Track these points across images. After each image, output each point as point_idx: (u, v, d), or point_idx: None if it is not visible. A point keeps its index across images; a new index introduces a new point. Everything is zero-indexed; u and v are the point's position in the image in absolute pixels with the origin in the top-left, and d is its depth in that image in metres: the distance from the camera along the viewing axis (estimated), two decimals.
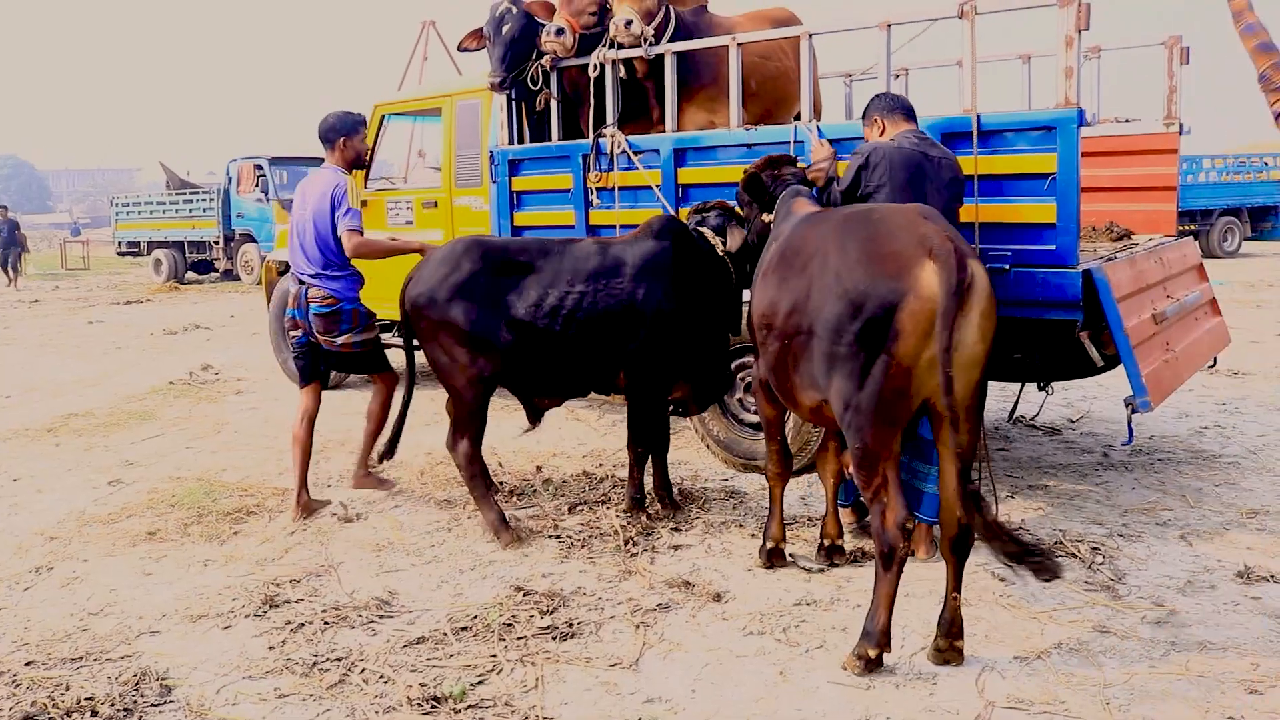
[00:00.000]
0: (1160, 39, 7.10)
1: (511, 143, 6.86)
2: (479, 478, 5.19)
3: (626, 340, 5.06)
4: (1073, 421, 7.36)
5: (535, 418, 5.50)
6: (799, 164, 5.00)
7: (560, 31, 6.26)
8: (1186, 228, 20.25)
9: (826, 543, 4.70)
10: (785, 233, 4.25)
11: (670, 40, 6.14)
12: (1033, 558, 3.50)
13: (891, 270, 3.45)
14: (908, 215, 3.67)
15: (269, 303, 9.42)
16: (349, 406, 8.39)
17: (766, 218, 4.77)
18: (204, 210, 22.57)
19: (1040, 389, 6.24)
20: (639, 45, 6.07)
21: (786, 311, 3.89)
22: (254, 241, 21.30)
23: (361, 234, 5.66)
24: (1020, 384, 6.32)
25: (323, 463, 6.69)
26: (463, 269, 5.06)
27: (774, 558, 4.67)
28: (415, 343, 5.39)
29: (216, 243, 22.41)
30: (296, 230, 5.69)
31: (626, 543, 4.97)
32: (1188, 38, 6.94)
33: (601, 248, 5.19)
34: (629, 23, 6.00)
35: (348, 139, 5.79)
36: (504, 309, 5.01)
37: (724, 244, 5.24)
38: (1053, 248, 4.89)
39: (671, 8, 6.25)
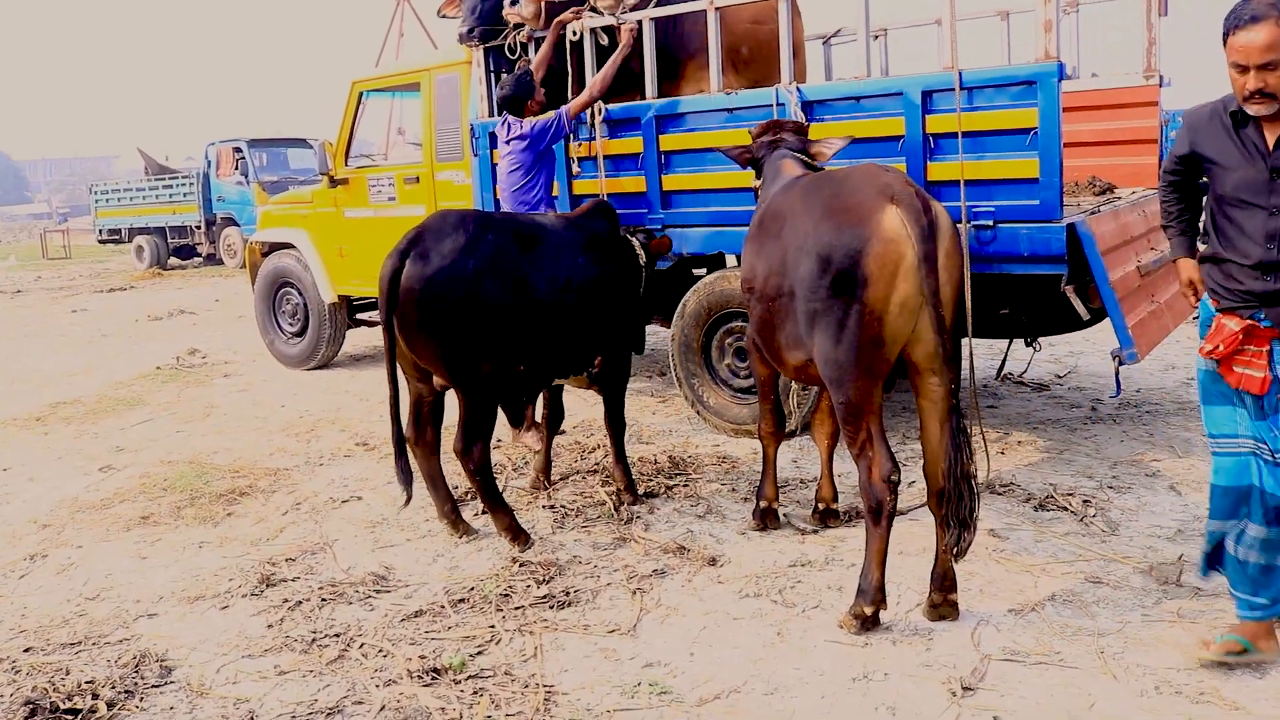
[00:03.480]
0: None
1: (491, 115, 6.81)
2: (492, 483, 4.72)
3: (607, 316, 5.07)
4: (1060, 376, 7.39)
5: (519, 419, 5.20)
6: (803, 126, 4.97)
7: (516, 1, 6.25)
8: None
9: (821, 506, 4.72)
10: (769, 197, 4.28)
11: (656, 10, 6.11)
12: (960, 531, 3.57)
13: (855, 219, 3.56)
14: (870, 170, 3.80)
15: (254, 284, 9.40)
16: (337, 385, 8.39)
17: (755, 183, 4.77)
18: (184, 195, 22.40)
19: (1027, 345, 6.26)
20: (618, 9, 6.04)
21: (765, 274, 3.99)
22: (236, 225, 21.16)
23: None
24: (1008, 340, 6.34)
25: (313, 441, 6.68)
26: (481, 242, 4.50)
27: (767, 517, 4.69)
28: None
29: (198, 227, 22.24)
30: None
31: (619, 508, 4.98)
32: None
33: (578, 224, 5.12)
34: None
35: (529, 100, 6.01)
36: (522, 286, 4.60)
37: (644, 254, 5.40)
38: (1036, 202, 4.90)
39: None
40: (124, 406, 8.14)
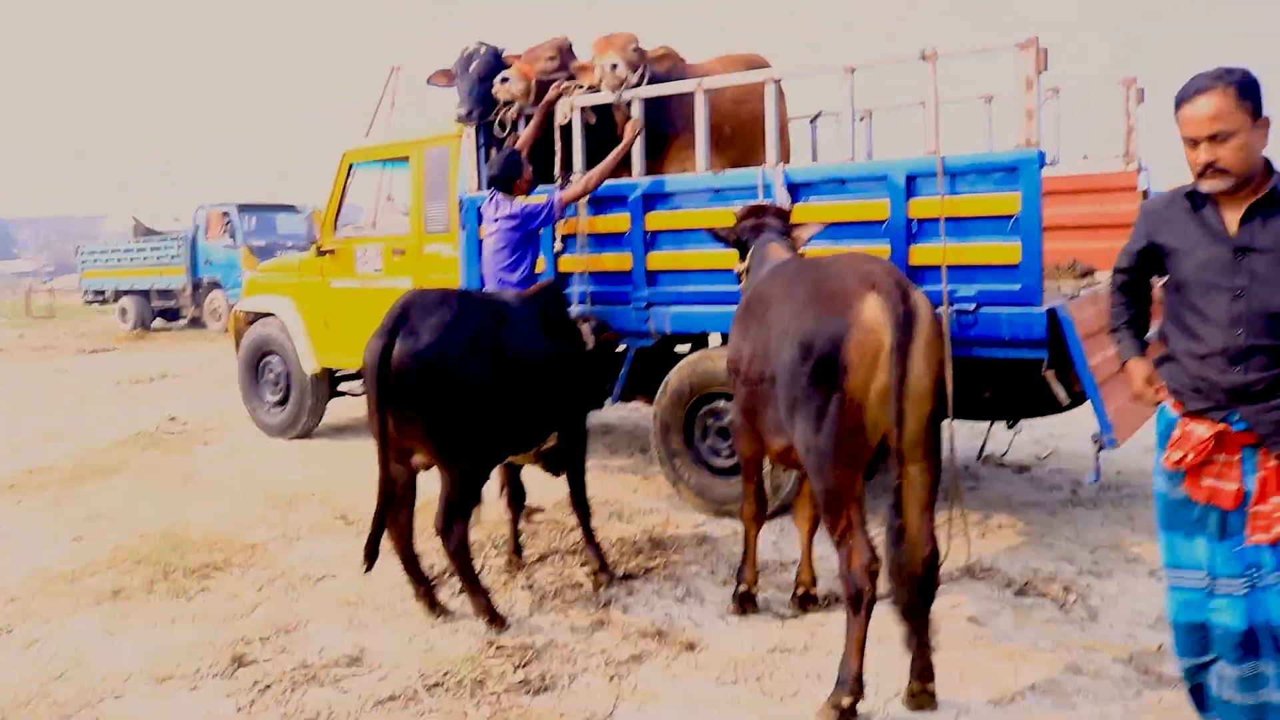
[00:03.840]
0: (1117, 79, 7.24)
1: (480, 189, 6.86)
2: (470, 563, 4.67)
3: (563, 394, 5.13)
4: (1041, 458, 7.40)
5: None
6: (786, 209, 5.05)
7: (506, 79, 6.35)
8: None
9: (800, 590, 4.68)
10: (756, 281, 4.33)
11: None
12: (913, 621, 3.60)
13: (836, 307, 3.59)
14: (854, 258, 3.86)
15: (237, 351, 9.37)
16: (318, 456, 8.33)
17: (739, 267, 4.82)
18: (171, 257, 22.40)
19: (1009, 427, 6.27)
20: (621, 90, 6.10)
21: (750, 358, 4.03)
22: (221, 288, 21.17)
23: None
24: (989, 422, 6.35)
25: (291, 514, 6.61)
26: (464, 319, 4.57)
27: (745, 602, 4.65)
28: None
29: (184, 290, 22.24)
30: None
31: (597, 590, 4.94)
32: (1142, 79, 7.08)
33: (533, 303, 5.17)
34: (615, 66, 6.04)
35: (518, 179, 6.01)
36: (500, 362, 4.63)
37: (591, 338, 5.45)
38: (1017, 287, 4.94)
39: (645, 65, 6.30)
40: (101, 473, 8.05)
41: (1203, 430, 2.95)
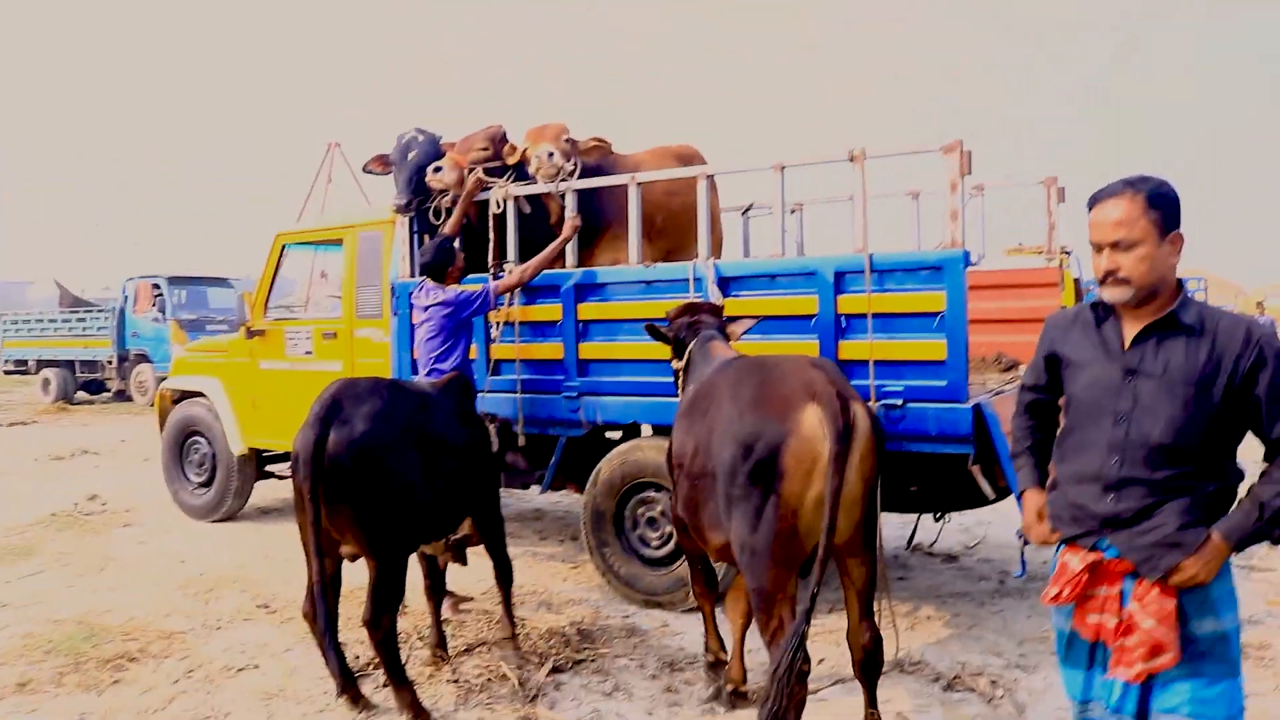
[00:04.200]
0: (1039, 179, 7.49)
1: (413, 275, 6.86)
2: (397, 656, 4.57)
3: (476, 481, 5.23)
4: (969, 547, 7.47)
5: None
6: (718, 305, 5.15)
7: (439, 169, 6.40)
8: None
9: (730, 688, 4.64)
10: (703, 377, 4.40)
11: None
12: None
13: (776, 412, 3.66)
14: (799, 362, 3.90)
15: (162, 430, 9.19)
16: (242, 540, 8.15)
17: (676, 364, 4.89)
18: (98, 329, 22.01)
19: (936, 519, 6.34)
20: (557, 179, 6.18)
21: (692, 453, 4.06)
22: (149, 362, 20.79)
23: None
24: (917, 514, 6.41)
25: (212, 601, 6.45)
26: (395, 409, 4.59)
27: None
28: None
29: (110, 362, 21.81)
30: None
31: (524, 684, 4.86)
32: (1063, 179, 7.33)
33: (446, 392, 5.26)
34: (551, 154, 6.12)
35: (451, 267, 5.98)
36: (426, 451, 4.68)
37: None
38: (944, 383, 5.03)
39: (576, 156, 6.39)
40: (14, 556, 7.80)
41: (1076, 563, 2.79)
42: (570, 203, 6.18)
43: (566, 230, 6.23)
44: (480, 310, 5.97)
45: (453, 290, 5.89)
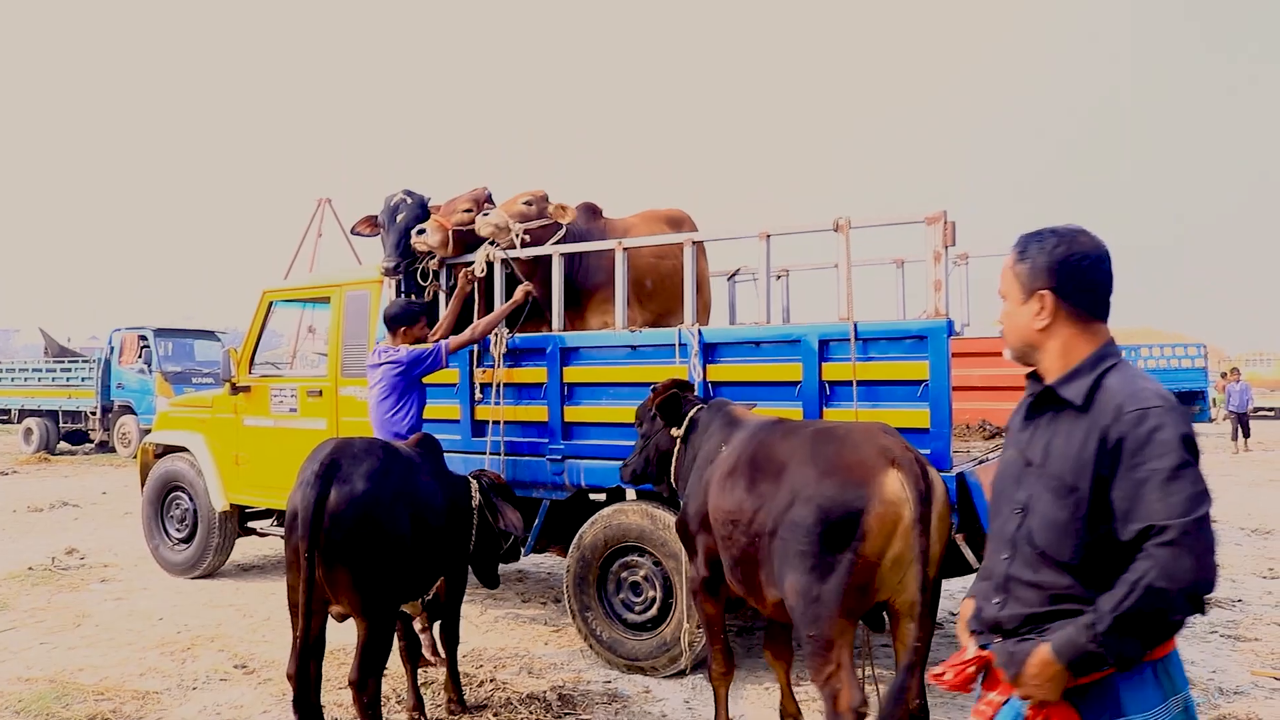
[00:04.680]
0: None
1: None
2: (380, 718, 4.58)
3: (451, 541, 5.19)
4: (954, 614, 7.43)
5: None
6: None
7: (422, 231, 6.47)
8: None
9: None
10: (741, 439, 4.49)
11: (561, 244, 6.32)
12: None
13: (858, 478, 3.82)
14: (871, 429, 4.09)
15: (143, 485, 9.13)
16: (221, 597, 8.07)
17: (675, 432, 5.01)
18: (82, 380, 21.95)
19: None
20: (513, 244, 6.28)
21: (751, 513, 4.14)
22: (133, 414, 20.73)
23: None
24: None
25: (189, 661, 6.36)
26: (392, 467, 4.62)
27: None
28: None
29: (94, 413, 21.72)
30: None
31: None
32: None
33: (419, 452, 5.19)
34: (500, 227, 6.26)
35: (408, 328, 6.06)
36: (415, 511, 4.70)
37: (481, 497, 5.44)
38: (927, 452, 5.03)
39: (562, 220, 6.45)
40: None
41: (970, 650, 2.43)
42: (557, 264, 6.22)
43: (518, 294, 6.38)
44: (432, 368, 6.01)
45: (404, 348, 5.93)
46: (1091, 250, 2.33)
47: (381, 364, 5.94)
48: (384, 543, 4.45)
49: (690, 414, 4.97)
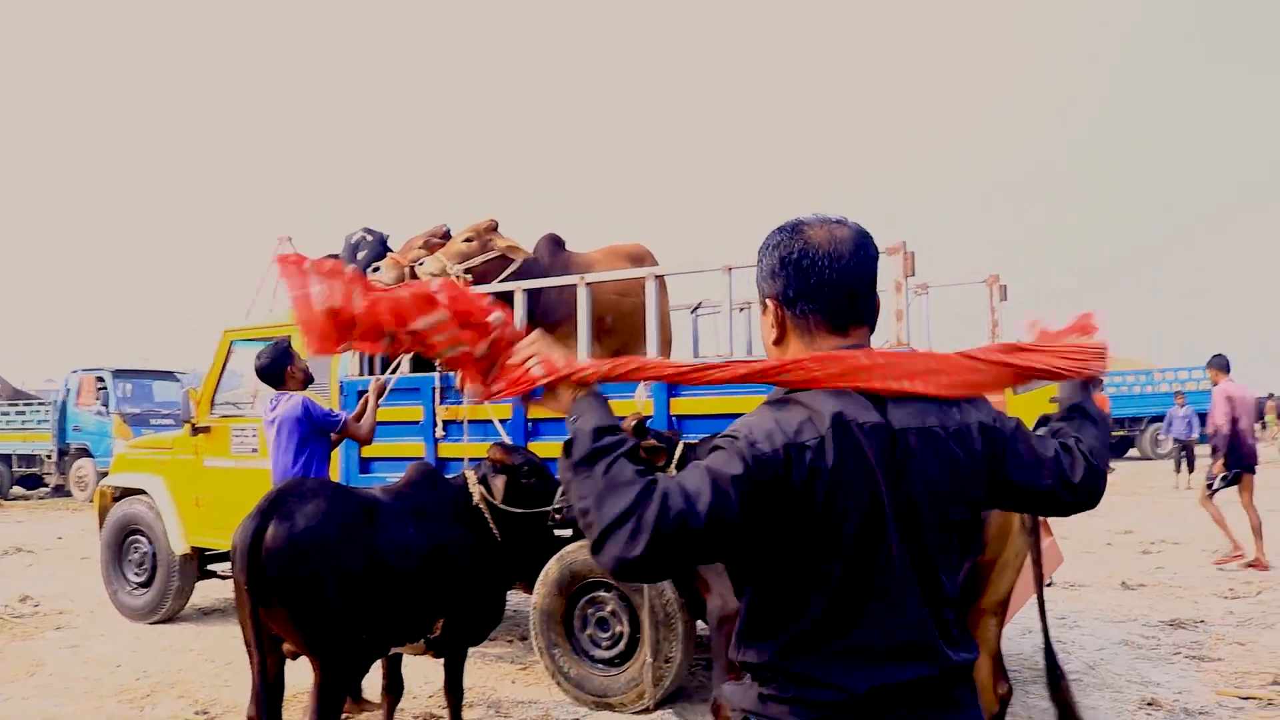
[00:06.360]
0: (981, 277, 7.63)
1: (362, 373, 6.85)
2: None
3: (450, 582, 4.96)
4: None
5: (356, 691, 5.18)
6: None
7: (377, 269, 6.48)
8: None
9: None
10: None
11: (519, 279, 6.33)
12: None
13: None
14: None
15: (101, 528, 8.99)
16: (181, 642, 7.95)
17: (672, 470, 5.01)
18: (38, 422, 21.63)
19: None
20: (440, 273, 6.33)
21: None
22: (90, 456, 20.44)
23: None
24: None
25: (148, 708, 6.25)
26: (341, 506, 4.53)
27: None
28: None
29: (49, 456, 21.39)
30: None
31: None
32: (1004, 277, 7.47)
33: (409, 491, 5.09)
34: (436, 274, 6.30)
35: (291, 366, 5.99)
36: (378, 548, 4.59)
37: (486, 492, 5.20)
38: None
39: (513, 257, 6.49)
40: None
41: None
42: (520, 300, 6.23)
43: (373, 387, 6.40)
44: (322, 425, 5.94)
45: (300, 396, 5.87)
46: (813, 246, 1.90)
47: (277, 418, 5.85)
48: (325, 582, 4.34)
49: (680, 449, 5.04)
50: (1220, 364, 10.56)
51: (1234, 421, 10.15)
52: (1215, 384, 10.55)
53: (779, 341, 1.96)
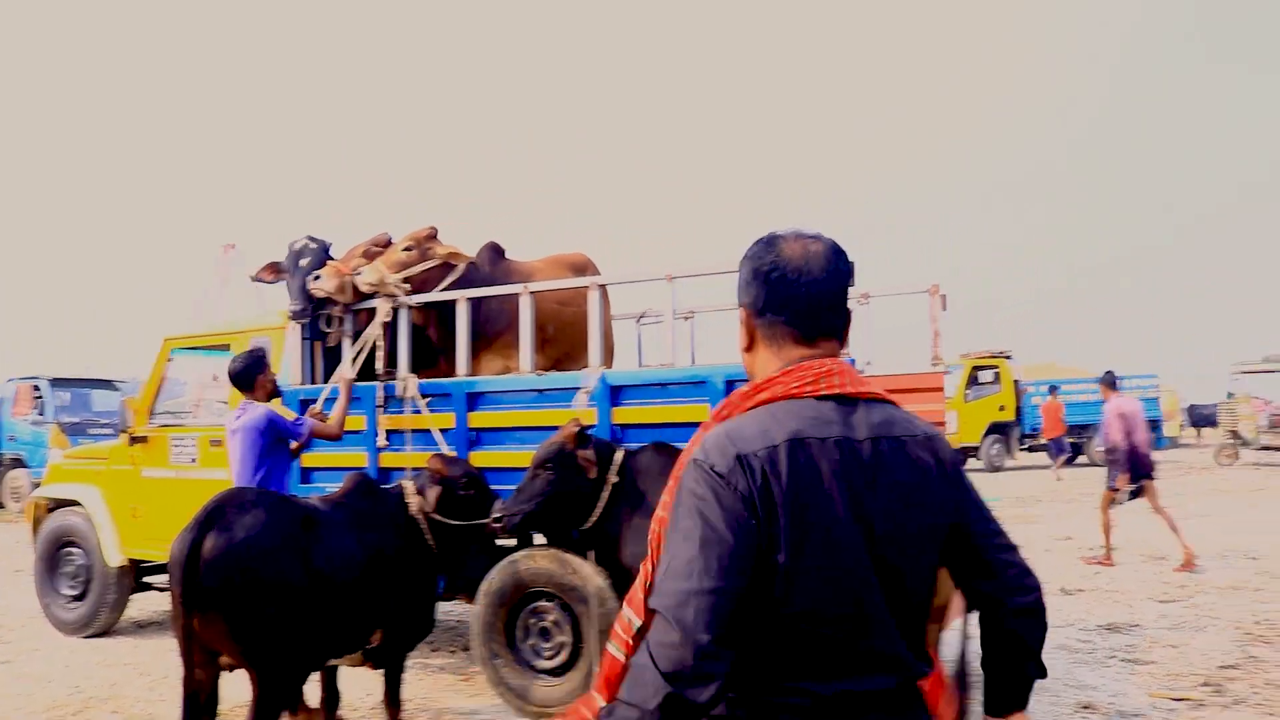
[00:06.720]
0: (923, 287, 7.71)
1: (304, 382, 6.79)
2: None
3: (389, 592, 5.00)
4: None
5: (294, 704, 5.04)
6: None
7: (318, 277, 6.42)
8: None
9: None
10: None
11: (460, 286, 6.32)
12: None
13: None
14: None
15: (34, 541, 8.82)
16: (116, 656, 7.81)
17: (612, 478, 5.17)
18: None
19: None
20: (381, 288, 6.33)
21: None
22: (25, 467, 20.00)
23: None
24: None
25: None
26: (281, 517, 4.52)
27: None
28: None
29: None
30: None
31: None
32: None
33: (347, 501, 5.11)
34: (374, 283, 6.33)
35: (262, 376, 5.91)
36: (318, 560, 4.60)
37: (424, 502, 5.26)
38: None
39: (455, 263, 6.48)
40: None
41: None
42: (462, 309, 6.21)
43: (344, 384, 6.34)
44: (291, 436, 5.91)
45: (264, 408, 5.82)
46: (784, 260, 1.93)
47: (239, 428, 5.79)
48: (263, 593, 4.32)
49: (619, 458, 5.03)
50: (1109, 381, 11.07)
51: (1128, 435, 10.51)
52: (1106, 401, 10.89)
53: (749, 349, 2.04)
